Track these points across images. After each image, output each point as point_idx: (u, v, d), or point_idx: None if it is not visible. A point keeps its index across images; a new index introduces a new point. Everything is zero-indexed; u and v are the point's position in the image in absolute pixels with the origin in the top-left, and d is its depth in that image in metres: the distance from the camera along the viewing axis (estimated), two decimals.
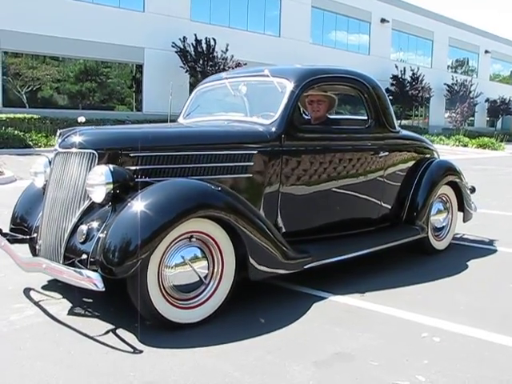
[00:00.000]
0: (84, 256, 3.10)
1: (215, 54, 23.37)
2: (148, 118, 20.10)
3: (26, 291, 3.82)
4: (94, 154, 3.29)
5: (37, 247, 3.47)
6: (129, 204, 3.04)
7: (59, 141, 3.47)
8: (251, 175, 3.75)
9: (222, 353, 2.90)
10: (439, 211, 5.22)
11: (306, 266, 3.74)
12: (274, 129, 3.84)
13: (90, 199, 3.23)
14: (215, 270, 3.28)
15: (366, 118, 4.56)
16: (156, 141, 3.54)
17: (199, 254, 3.22)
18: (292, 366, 2.76)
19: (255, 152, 3.76)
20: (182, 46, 23.20)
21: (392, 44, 35.70)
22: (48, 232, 3.39)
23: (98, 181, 3.11)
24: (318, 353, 2.92)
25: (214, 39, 23.25)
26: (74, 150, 3.36)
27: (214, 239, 3.24)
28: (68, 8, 20.42)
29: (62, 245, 3.26)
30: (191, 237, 3.18)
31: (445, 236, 5.27)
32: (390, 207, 4.77)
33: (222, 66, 23.01)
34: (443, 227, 5.27)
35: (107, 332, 3.13)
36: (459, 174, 5.37)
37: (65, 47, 20.58)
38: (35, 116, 18.02)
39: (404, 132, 5.10)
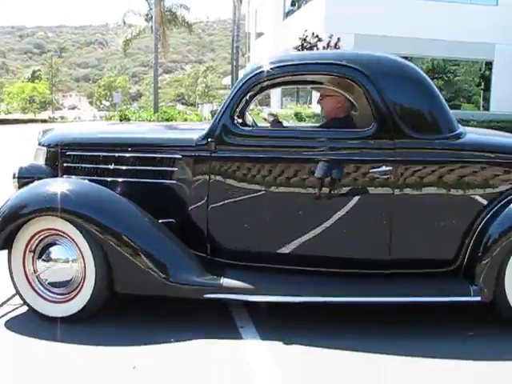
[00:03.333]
0: None
1: None
2: (495, 117, 18.22)
3: None
4: (44, 150, 3.57)
5: None
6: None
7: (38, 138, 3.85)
8: (175, 182, 3.30)
9: None
10: None
11: (207, 296, 3.03)
12: (203, 132, 3.24)
13: None
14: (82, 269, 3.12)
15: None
16: (87, 141, 3.59)
17: (65, 253, 3.13)
18: None
19: (179, 157, 3.29)
20: None
21: None
22: None
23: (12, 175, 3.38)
24: None
25: None
26: (39, 146, 3.70)
27: (71, 237, 3.10)
28: (417, 8, 19.93)
29: None
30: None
31: None
32: (431, 247, 3.22)
33: None
34: None
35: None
36: None
37: (412, 47, 20.20)
38: None
39: (469, 138, 3.26)
